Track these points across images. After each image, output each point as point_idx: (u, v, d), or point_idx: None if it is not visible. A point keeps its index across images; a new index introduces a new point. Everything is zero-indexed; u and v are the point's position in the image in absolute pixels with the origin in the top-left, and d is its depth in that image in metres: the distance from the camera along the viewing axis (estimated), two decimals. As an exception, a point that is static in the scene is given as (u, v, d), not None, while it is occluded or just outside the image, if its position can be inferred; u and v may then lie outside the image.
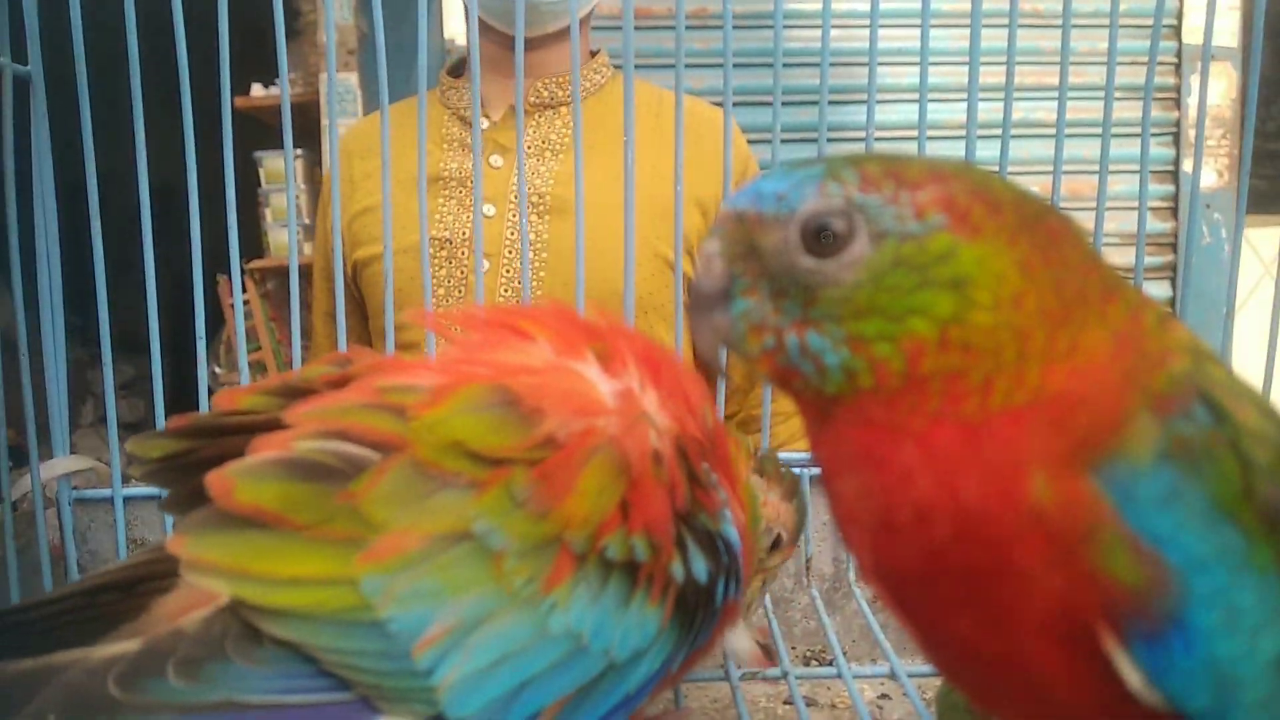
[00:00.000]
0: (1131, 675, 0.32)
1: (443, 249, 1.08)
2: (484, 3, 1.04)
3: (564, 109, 1.13)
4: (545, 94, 1.13)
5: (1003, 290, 0.32)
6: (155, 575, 0.45)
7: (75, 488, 0.81)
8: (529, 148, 1.11)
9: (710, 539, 0.48)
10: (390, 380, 0.45)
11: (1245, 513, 0.32)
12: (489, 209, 1.09)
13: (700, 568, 0.46)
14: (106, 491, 0.81)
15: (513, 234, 1.08)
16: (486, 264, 1.08)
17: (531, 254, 1.07)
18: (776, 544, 0.60)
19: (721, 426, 0.53)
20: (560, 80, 1.13)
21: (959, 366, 0.33)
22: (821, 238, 0.33)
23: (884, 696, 0.72)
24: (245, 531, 0.40)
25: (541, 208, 1.08)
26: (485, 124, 1.13)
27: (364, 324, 1.16)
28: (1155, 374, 0.33)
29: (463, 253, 1.09)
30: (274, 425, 0.44)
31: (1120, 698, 0.33)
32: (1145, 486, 0.31)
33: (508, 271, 1.07)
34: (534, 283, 1.08)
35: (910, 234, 0.33)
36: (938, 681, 0.60)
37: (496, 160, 1.12)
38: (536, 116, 1.13)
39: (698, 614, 0.47)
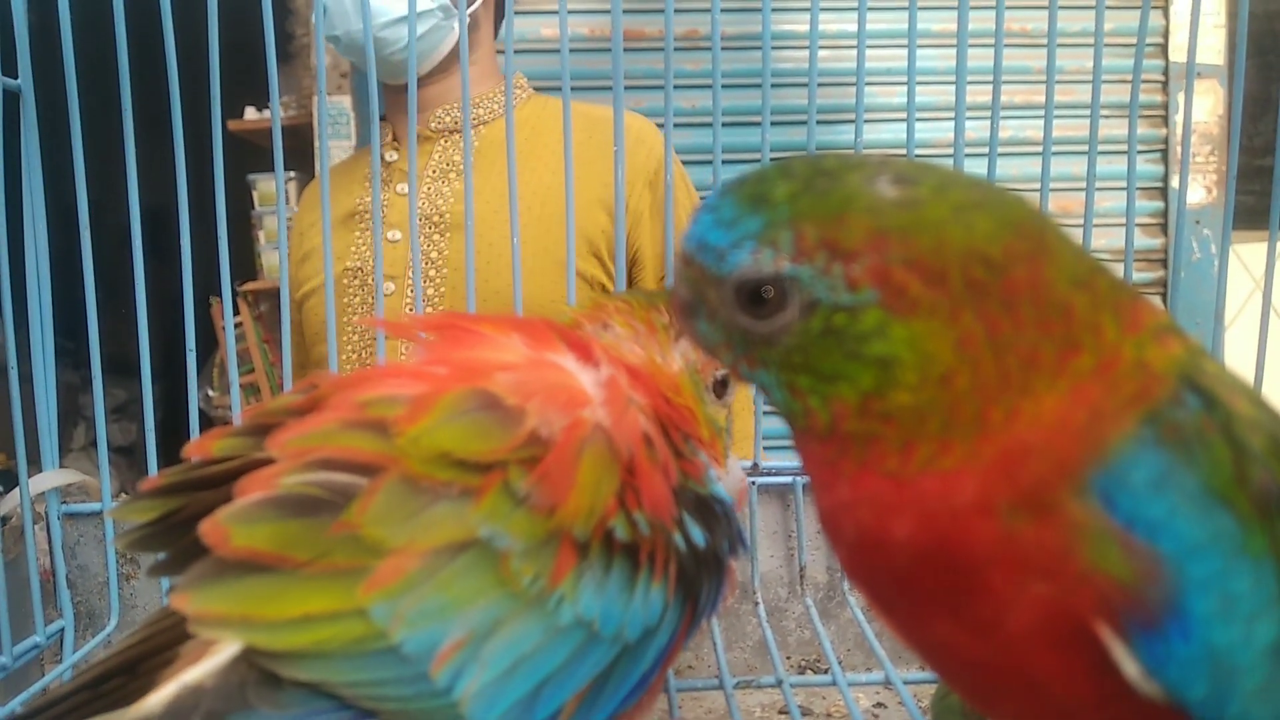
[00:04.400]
0: (1130, 667, 0.32)
1: (355, 278, 1.15)
2: (351, 58, 1.13)
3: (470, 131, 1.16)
4: (448, 119, 1.19)
5: (931, 371, 0.32)
6: (155, 650, 0.44)
7: (65, 502, 0.81)
8: (433, 172, 1.17)
9: (705, 503, 0.48)
10: (370, 394, 0.45)
11: (1239, 498, 0.32)
12: (394, 234, 1.16)
13: (697, 534, 0.47)
14: (96, 505, 0.81)
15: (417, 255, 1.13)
16: (391, 286, 1.14)
17: (434, 272, 1.14)
18: (725, 384, 0.56)
19: (674, 387, 0.52)
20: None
21: (878, 432, 0.33)
22: (754, 301, 0.34)
23: (879, 705, 0.72)
24: (247, 577, 0.40)
25: (442, 226, 1.14)
26: (395, 155, 1.19)
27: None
28: (1129, 411, 0.32)
29: (374, 280, 1.11)
30: (254, 467, 0.43)
31: (1117, 691, 0.32)
32: (1136, 472, 0.31)
33: (412, 292, 1.09)
34: (437, 299, 1.13)
35: (842, 305, 0.32)
36: (933, 689, 0.60)
37: (403, 188, 1.17)
38: (443, 141, 1.19)
39: (701, 580, 0.47)
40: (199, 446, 0.45)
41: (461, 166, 1.16)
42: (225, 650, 0.40)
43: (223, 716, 0.38)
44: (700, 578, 0.47)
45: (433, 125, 1.18)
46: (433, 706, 0.40)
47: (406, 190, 1.15)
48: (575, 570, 0.42)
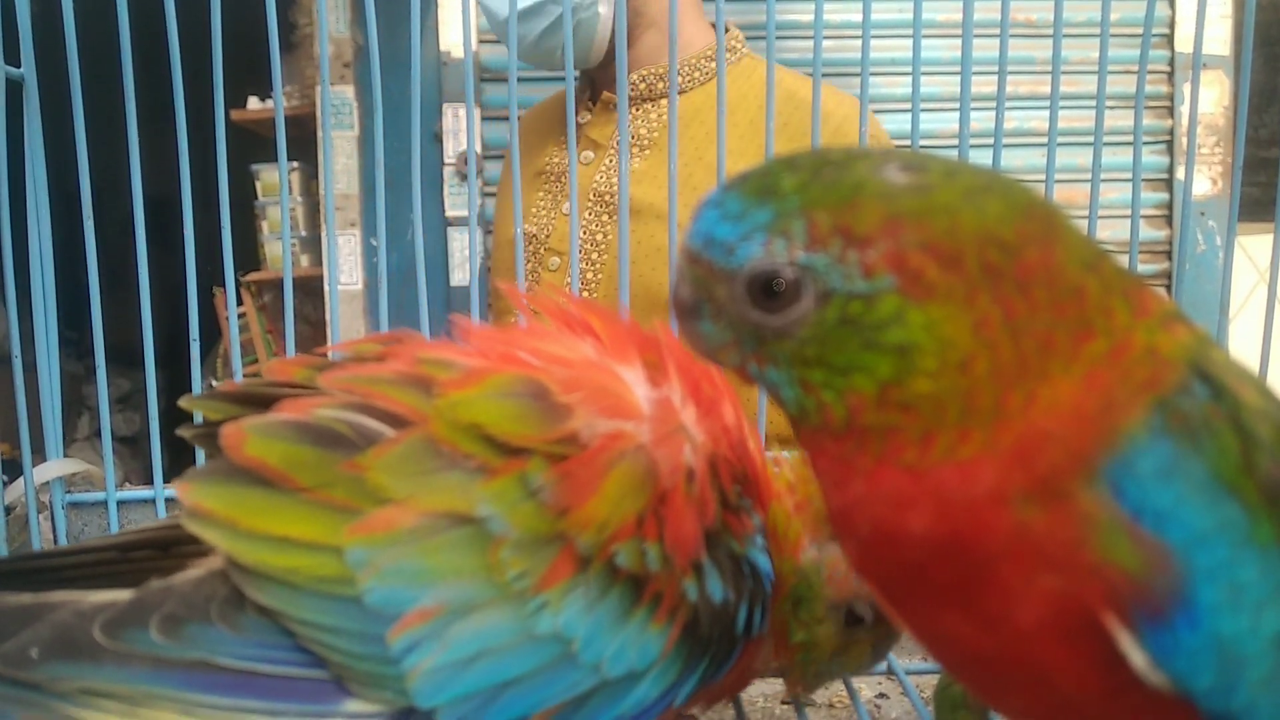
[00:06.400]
0: (1137, 658, 0.32)
1: (529, 244, 1.07)
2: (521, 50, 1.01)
3: (663, 101, 1.08)
4: (643, 86, 1.08)
5: (950, 356, 0.32)
6: (193, 538, 0.44)
7: (69, 492, 0.81)
8: (617, 143, 1.05)
9: (736, 563, 0.45)
10: (430, 353, 0.45)
11: (1246, 487, 0.32)
12: (566, 206, 1.07)
13: (716, 588, 0.44)
14: (100, 494, 0.81)
15: (585, 234, 1.06)
16: (557, 261, 1.07)
17: (597, 254, 1.05)
18: (856, 620, 0.51)
19: (760, 454, 0.50)
20: (661, 71, 1.07)
21: (897, 423, 0.32)
22: (767, 294, 0.33)
23: (882, 695, 0.72)
24: (247, 486, 0.40)
25: (614, 207, 1.05)
26: (587, 117, 1.10)
27: None
28: (1140, 398, 0.32)
29: (545, 250, 1.08)
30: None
31: (1125, 683, 0.32)
32: (1143, 461, 0.31)
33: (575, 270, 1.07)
34: (595, 285, 1.05)
35: (857, 293, 0.32)
36: (936, 679, 0.60)
37: (587, 155, 1.09)
38: (632, 110, 1.09)
39: (712, 641, 0.45)
40: (281, 368, 0.46)
41: (646, 141, 1.05)
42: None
43: (181, 622, 0.39)
44: (712, 638, 0.44)
45: (629, 92, 1.06)
46: (380, 673, 0.39)
47: (590, 159, 1.06)
48: (568, 582, 0.41)
